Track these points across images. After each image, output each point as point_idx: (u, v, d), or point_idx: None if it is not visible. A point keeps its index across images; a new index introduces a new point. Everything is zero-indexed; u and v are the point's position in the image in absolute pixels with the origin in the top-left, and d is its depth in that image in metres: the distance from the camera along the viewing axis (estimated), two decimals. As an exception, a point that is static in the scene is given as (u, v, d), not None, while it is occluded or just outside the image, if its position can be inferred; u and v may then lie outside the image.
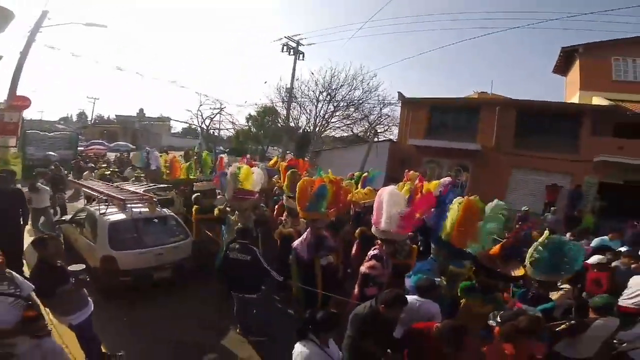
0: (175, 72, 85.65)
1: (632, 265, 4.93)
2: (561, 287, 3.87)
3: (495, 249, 3.79)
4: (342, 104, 21.40)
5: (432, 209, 4.10)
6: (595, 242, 6.60)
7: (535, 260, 3.50)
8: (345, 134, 23.96)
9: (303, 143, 17.29)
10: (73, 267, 3.04)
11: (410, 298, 3.07)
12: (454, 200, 3.94)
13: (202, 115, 25.65)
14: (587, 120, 12.84)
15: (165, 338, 4.06)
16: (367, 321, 2.73)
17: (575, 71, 15.29)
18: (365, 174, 7.58)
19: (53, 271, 2.93)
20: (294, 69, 17.70)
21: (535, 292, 3.54)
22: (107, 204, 5.22)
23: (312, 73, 26.05)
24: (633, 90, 13.46)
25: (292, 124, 21.46)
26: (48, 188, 7.60)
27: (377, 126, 22.69)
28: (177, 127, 52.37)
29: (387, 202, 3.79)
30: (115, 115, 59.94)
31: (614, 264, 5.05)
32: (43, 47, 15.52)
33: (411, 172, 6.54)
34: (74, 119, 59.02)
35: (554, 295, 3.67)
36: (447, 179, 5.14)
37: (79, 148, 19.00)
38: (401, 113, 16.60)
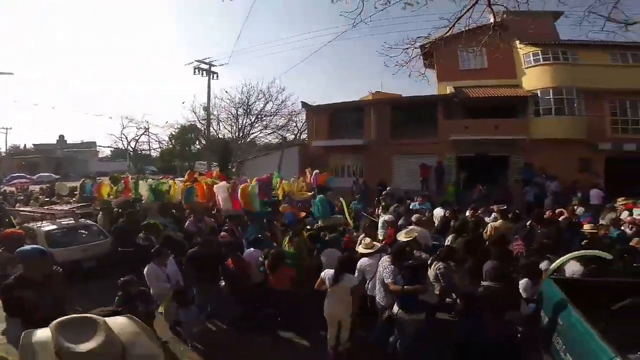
0: (93, 95, 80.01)
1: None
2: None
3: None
4: (258, 116, 24.03)
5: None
6: (411, 206, 9.03)
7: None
8: (267, 141, 26.66)
9: (225, 155, 19.14)
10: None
11: (250, 250, 5.36)
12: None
13: (126, 137, 26.40)
14: (440, 107, 15.81)
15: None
16: (195, 257, 4.85)
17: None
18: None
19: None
20: (209, 89, 19.68)
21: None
22: (43, 221, 7.15)
23: (226, 92, 28.27)
24: (477, 76, 15.74)
25: (214, 138, 23.35)
26: None
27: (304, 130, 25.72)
28: (105, 151, 50.72)
29: (219, 191, 6.35)
30: (33, 145, 55.77)
31: (400, 222, 6.82)
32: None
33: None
34: (-15, 153, 52.90)
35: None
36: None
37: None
38: (307, 119, 19.47)
